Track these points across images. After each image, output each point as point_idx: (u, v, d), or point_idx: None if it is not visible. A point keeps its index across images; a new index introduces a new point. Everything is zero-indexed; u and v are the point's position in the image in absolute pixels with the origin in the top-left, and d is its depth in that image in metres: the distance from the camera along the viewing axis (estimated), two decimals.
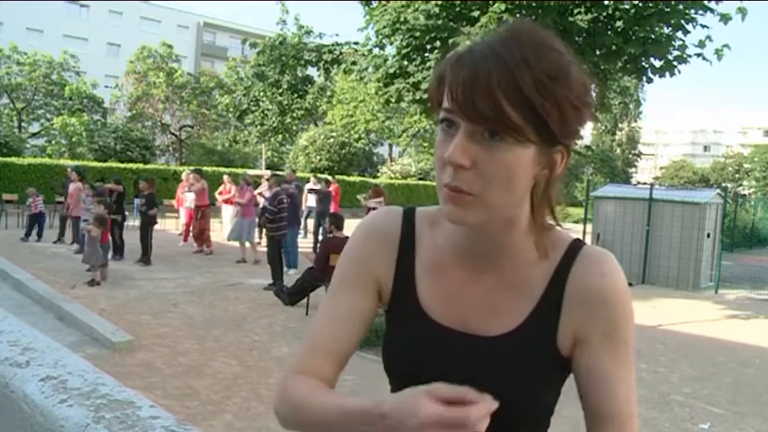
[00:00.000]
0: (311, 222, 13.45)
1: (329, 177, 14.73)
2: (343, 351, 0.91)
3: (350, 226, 8.13)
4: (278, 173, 15.16)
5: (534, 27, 0.77)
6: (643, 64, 8.01)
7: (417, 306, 0.90)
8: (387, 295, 0.94)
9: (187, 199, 12.44)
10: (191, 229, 12.31)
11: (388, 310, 0.94)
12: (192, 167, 22.40)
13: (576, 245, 0.87)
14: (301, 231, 12.86)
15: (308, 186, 13.66)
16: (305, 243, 12.12)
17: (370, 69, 8.94)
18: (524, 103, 0.71)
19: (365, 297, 0.92)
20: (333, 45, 10.13)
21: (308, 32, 19.82)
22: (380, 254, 0.93)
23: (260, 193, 11.47)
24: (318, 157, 32.22)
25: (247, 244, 10.99)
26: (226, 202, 12.81)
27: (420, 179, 33.09)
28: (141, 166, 22.91)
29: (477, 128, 0.73)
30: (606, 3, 7.68)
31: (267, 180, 11.88)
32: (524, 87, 0.70)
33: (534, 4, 7.31)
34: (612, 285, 0.83)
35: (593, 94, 0.78)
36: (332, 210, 12.07)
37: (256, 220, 10.82)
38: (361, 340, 0.94)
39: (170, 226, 14.70)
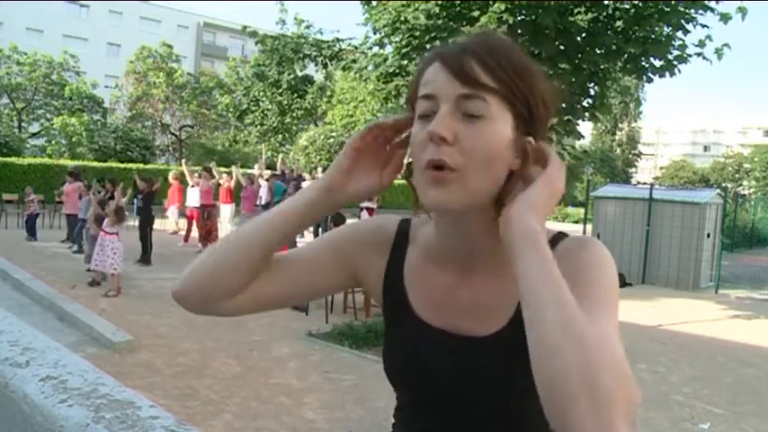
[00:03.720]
0: None
1: None
2: (284, 267, 0.93)
3: None
4: (277, 173, 15.16)
5: (502, 36, 0.84)
6: (643, 64, 8.01)
7: (409, 309, 0.91)
8: (376, 294, 0.96)
9: (190, 197, 12.38)
10: (193, 229, 12.27)
11: (383, 314, 0.96)
12: (195, 166, 22.38)
13: (559, 236, 0.86)
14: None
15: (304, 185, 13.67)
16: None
17: (369, 68, 8.94)
18: (505, 75, 0.77)
19: (329, 261, 0.95)
20: (333, 41, 10.12)
21: (308, 27, 19.86)
22: (369, 251, 0.96)
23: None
24: (318, 157, 32.22)
25: None
26: (225, 200, 12.83)
27: None
28: (141, 165, 22.91)
29: (459, 105, 0.76)
30: (606, 2, 7.68)
31: (266, 180, 11.91)
32: (499, 64, 0.77)
33: (534, 4, 7.30)
34: (588, 253, 0.78)
35: (556, 98, 0.82)
36: None
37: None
38: (300, 292, 0.97)
39: (170, 226, 14.69)
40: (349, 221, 1.19)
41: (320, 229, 11.99)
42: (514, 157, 0.79)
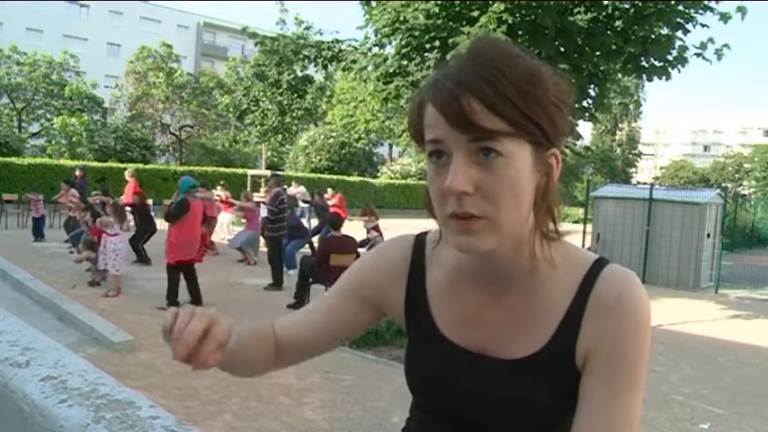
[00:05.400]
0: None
1: (330, 189, 14.86)
2: (302, 335, 0.97)
3: (348, 227, 8.02)
4: (278, 173, 15.18)
5: (496, 40, 0.78)
6: (643, 64, 8.01)
7: (434, 329, 0.89)
8: (400, 318, 0.94)
9: None
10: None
11: (407, 331, 0.95)
12: (195, 166, 22.38)
13: (601, 263, 0.84)
14: None
15: (300, 197, 13.73)
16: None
17: (369, 68, 8.95)
18: (512, 109, 0.71)
19: (351, 306, 0.96)
20: (332, 42, 10.11)
21: (308, 28, 19.89)
22: (388, 282, 0.95)
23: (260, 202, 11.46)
24: (318, 157, 32.26)
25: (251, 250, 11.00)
26: (224, 209, 12.91)
27: (420, 179, 33.12)
28: (141, 165, 22.93)
29: (471, 149, 0.72)
30: (606, 2, 7.68)
31: (266, 182, 11.88)
32: (509, 95, 0.70)
33: (534, 4, 7.30)
34: (627, 305, 0.79)
35: (569, 93, 0.77)
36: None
37: (259, 233, 10.68)
38: (335, 338, 0.99)
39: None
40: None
41: (320, 233, 11.94)
42: (539, 178, 0.77)
